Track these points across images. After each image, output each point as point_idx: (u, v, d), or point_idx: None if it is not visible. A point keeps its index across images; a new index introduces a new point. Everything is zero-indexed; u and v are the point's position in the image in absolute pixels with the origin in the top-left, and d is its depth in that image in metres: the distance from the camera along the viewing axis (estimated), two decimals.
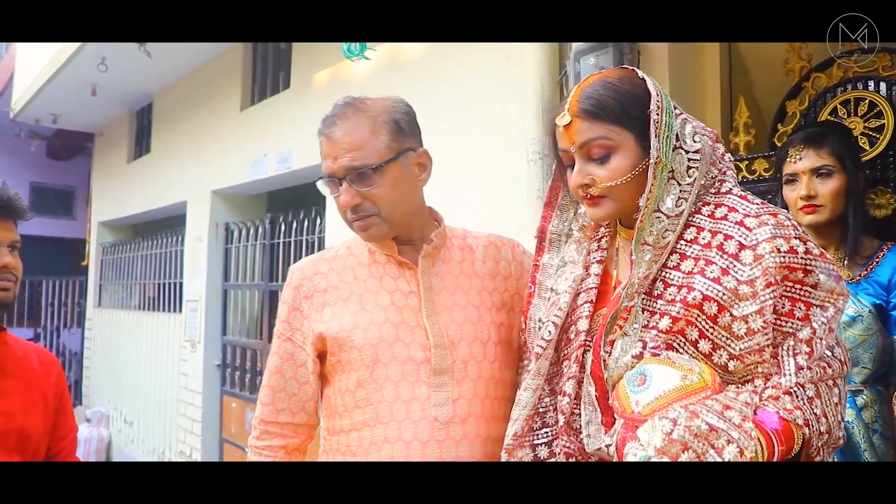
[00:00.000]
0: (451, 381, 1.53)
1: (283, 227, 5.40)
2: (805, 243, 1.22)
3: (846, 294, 1.25)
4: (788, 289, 1.21)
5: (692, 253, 1.28)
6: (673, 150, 1.28)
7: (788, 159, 2.17)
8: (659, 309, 1.27)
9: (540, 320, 1.46)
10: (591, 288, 1.42)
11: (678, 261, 1.29)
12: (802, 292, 1.21)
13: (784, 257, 1.20)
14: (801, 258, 1.20)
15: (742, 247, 1.23)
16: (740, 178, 2.72)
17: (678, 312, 1.24)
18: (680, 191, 1.28)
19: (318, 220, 4.97)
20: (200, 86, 6.47)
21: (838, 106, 2.56)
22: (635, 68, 1.36)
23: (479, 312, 1.60)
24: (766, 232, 1.22)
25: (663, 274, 1.29)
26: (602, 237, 1.47)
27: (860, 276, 2.09)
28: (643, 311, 1.29)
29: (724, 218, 1.28)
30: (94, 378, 8.90)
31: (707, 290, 1.23)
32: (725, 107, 2.98)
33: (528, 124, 3.22)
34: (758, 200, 1.29)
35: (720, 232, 1.26)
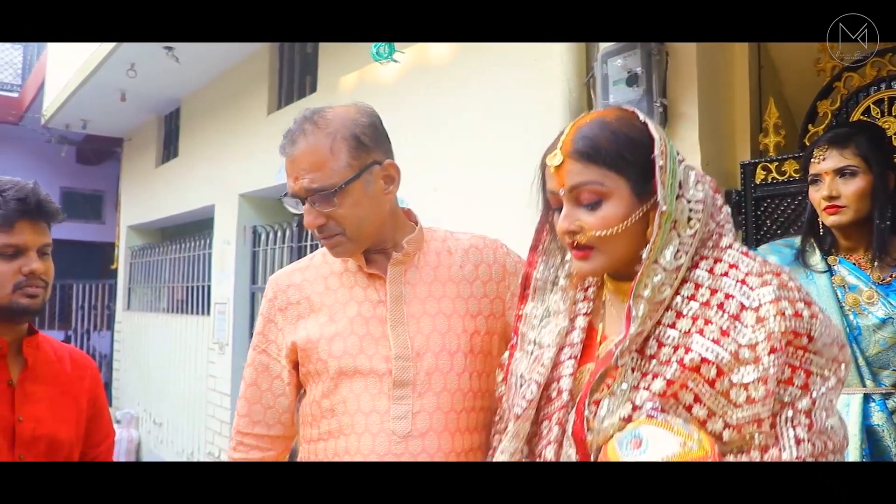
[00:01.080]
0: (412, 394, 1.49)
1: (310, 230, 5.42)
2: (809, 306, 1.14)
3: (849, 362, 1.18)
4: (791, 355, 1.12)
5: (689, 311, 1.19)
6: (676, 199, 1.20)
7: (813, 160, 2.15)
8: (652, 370, 1.18)
9: (522, 376, 1.35)
10: (576, 343, 1.32)
11: (674, 319, 1.19)
12: (804, 359, 1.13)
13: (790, 322, 1.11)
14: (807, 323, 1.12)
15: (743, 307, 1.14)
16: (769, 180, 2.70)
17: (674, 375, 1.15)
18: (680, 242, 1.19)
19: None
20: (227, 90, 6.53)
21: (871, 105, 2.54)
22: (636, 110, 1.27)
23: (449, 321, 1.55)
24: (770, 293, 1.13)
25: (657, 332, 1.20)
26: (589, 286, 1.38)
27: (891, 277, 2.06)
28: (633, 370, 1.20)
29: (725, 275, 1.19)
30: (124, 380, 9.01)
31: (706, 351, 1.14)
32: (755, 107, 2.95)
33: (555, 126, 3.21)
34: (759, 258, 1.21)
35: (720, 290, 1.18)
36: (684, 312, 1.19)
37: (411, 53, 4.03)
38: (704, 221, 1.22)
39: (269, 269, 6.01)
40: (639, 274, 1.18)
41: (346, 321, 1.53)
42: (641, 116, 1.24)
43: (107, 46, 6.22)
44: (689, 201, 1.20)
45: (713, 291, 1.18)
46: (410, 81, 4.10)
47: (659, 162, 1.18)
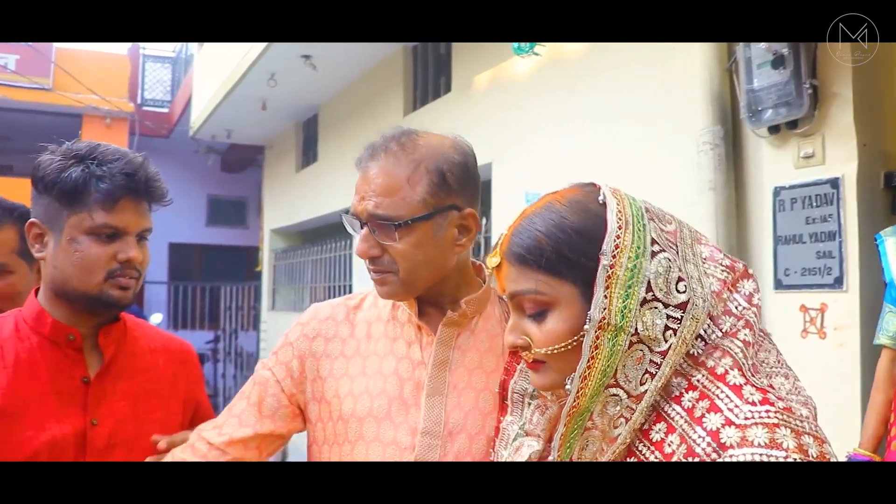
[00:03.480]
0: None
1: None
2: None
3: None
4: None
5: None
6: (642, 305, 0.93)
7: None
8: None
9: None
10: None
11: None
12: None
13: None
14: None
15: None
16: None
17: None
18: (649, 361, 0.93)
19: (484, 220, 5.03)
20: (363, 94, 6.73)
21: None
22: (601, 185, 1.02)
23: (495, 400, 1.27)
24: (745, 456, 0.85)
25: None
26: None
27: None
28: None
29: (700, 421, 0.90)
30: None
31: None
32: None
33: (698, 114, 3.14)
34: (758, 396, 0.89)
35: (686, 441, 0.90)
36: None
37: (546, 49, 4.03)
38: (691, 333, 0.94)
39: None
40: (571, 401, 0.95)
41: (380, 378, 1.34)
42: (602, 196, 0.99)
43: (249, 58, 6.54)
44: (665, 306, 0.93)
45: (682, 440, 0.91)
46: (546, 78, 4.10)
47: (605, 260, 0.93)
